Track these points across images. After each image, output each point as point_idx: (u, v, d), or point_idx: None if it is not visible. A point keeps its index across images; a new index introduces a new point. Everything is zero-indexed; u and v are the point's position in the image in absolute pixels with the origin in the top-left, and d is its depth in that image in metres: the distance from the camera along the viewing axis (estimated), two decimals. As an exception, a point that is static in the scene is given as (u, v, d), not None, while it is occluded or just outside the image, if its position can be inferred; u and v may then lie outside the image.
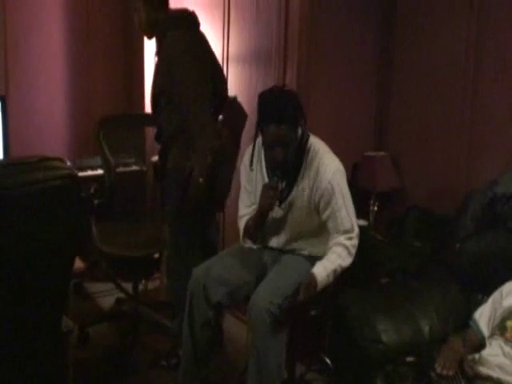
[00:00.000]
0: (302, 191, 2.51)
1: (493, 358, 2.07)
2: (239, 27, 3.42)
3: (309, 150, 2.50)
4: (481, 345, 2.19)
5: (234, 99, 2.94)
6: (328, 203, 2.46)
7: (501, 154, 2.95)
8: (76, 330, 3.06)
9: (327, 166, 2.47)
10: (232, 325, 3.31)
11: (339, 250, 2.45)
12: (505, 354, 2.07)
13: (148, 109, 4.02)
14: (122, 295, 3.63)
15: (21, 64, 3.95)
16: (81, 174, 3.59)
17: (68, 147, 4.16)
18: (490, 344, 2.14)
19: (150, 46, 4.06)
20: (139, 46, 4.17)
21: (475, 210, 2.70)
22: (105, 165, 3.19)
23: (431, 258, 2.86)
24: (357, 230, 2.50)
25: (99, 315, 3.58)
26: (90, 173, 3.74)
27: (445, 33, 3.19)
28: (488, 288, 2.38)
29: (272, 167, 2.48)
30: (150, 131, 4.04)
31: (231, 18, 3.48)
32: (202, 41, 2.90)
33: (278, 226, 2.61)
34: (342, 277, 2.63)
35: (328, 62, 3.19)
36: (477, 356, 2.13)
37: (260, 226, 2.60)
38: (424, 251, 2.94)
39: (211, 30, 3.56)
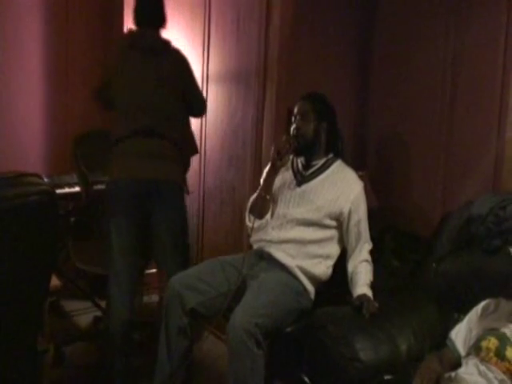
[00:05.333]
0: (323, 187, 2.65)
1: (469, 376, 2.06)
2: (219, 47, 3.42)
3: (336, 158, 2.76)
4: (457, 363, 2.19)
5: None
6: (356, 211, 2.64)
7: (477, 176, 2.96)
8: (51, 350, 3.01)
9: (356, 180, 2.71)
10: (213, 345, 3.27)
11: (368, 266, 2.64)
12: (480, 373, 2.06)
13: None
14: (99, 313, 3.57)
15: (-2, 81, 3.93)
16: (58, 191, 3.55)
17: (45, 164, 4.13)
18: (467, 363, 2.13)
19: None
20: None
21: (451, 230, 2.72)
22: (81, 182, 3.20)
23: (409, 278, 2.86)
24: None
25: (76, 334, 3.51)
26: (67, 190, 3.71)
27: (422, 55, 3.22)
28: (464, 307, 2.38)
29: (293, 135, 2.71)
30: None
31: (211, 38, 3.49)
32: (143, 65, 2.89)
33: (287, 207, 2.68)
34: (318, 294, 2.65)
35: (307, 83, 3.18)
36: (453, 374, 2.11)
37: (270, 184, 2.68)
38: (402, 271, 2.94)
39: (191, 50, 3.56)
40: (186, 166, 3.07)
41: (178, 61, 2.98)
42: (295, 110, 2.75)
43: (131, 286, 2.83)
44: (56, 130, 4.20)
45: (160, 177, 2.82)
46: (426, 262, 2.76)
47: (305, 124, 2.71)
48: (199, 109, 3.12)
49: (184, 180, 3.03)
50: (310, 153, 2.74)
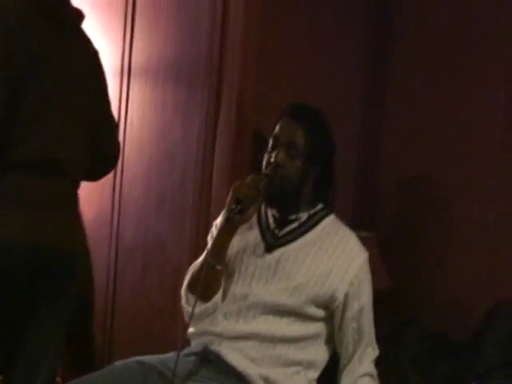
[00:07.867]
0: (306, 256, 2.20)
1: None
2: (149, 25, 2.94)
3: (327, 212, 2.31)
4: None
5: None
6: (357, 296, 2.19)
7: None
8: None
9: (358, 246, 2.28)
10: None
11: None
12: None
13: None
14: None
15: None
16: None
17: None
18: None
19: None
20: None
21: (503, 332, 2.42)
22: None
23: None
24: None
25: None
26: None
27: (468, 58, 2.71)
28: None
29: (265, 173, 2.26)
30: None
31: (137, 12, 2.94)
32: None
33: (248, 285, 2.21)
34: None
35: (289, 90, 2.62)
36: None
37: (224, 247, 2.19)
38: (426, 391, 2.58)
39: (105, 27, 3.04)
40: None
41: (90, 51, 2.30)
42: (276, 131, 2.22)
43: None
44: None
45: (62, 243, 2.18)
46: (463, 378, 2.41)
47: (289, 160, 2.21)
48: (112, 148, 2.38)
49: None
50: (288, 203, 2.25)
